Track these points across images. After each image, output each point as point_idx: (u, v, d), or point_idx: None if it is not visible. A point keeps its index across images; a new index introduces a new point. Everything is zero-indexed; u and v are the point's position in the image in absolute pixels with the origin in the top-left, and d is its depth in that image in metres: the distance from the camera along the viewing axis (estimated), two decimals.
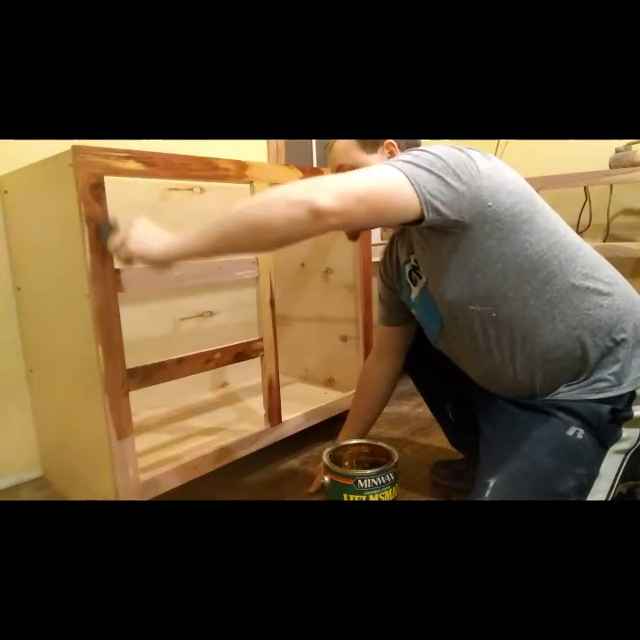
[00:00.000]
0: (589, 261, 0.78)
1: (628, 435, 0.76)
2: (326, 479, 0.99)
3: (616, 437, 0.76)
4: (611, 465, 0.76)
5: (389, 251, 1.02)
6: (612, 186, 1.86)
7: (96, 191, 0.87)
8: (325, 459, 1.00)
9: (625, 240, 1.84)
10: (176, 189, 1.43)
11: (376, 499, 0.94)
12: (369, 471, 0.95)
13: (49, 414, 1.19)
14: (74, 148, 0.84)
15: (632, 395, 0.76)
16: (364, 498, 0.93)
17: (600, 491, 0.75)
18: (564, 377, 0.79)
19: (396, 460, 0.97)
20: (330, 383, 1.61)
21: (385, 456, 1.02)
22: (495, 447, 0.81)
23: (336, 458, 1.03)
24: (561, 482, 0.72)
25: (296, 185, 0.68)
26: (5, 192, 1.13)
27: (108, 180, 0.88)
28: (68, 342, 1.01)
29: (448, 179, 0.69)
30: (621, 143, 1.66)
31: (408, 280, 0.93)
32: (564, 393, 0.79)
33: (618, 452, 0.76)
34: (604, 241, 1.91)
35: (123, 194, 1.26)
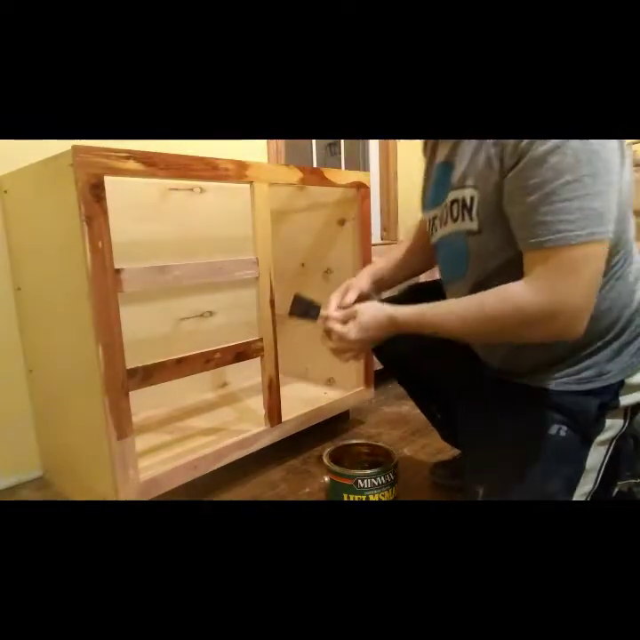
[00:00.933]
0: (632, 246, 0.74)
1: (612, 424, 0.75)
2: (326, 479, 0.99)
3: (599, 429, 0.75)
4: (596, 457, 0.75)
5: None
6: None
7: (96, 191, 0.87)
8: (325, 459, 1.00)
9: None
10: (176, 189, 1.43)
11: (376, 499, 0.94)
12: (369, 471, 0.95)
13: (49, 414, 1.19)
14: (74, 148, 0.84)
15: (621, 384, 0.75)
16: (364, 498, 0.93)
17: (587, 482, 0.75)
18: (558, 357, 0.76)
19: (395, 460, 0.97)
20: (330, 383, 1.61)
21: (385, 456, 1.02)
22: (480, 448, 0.80)
23: (336, 458, 1.03)
24: (548, 483, 0.72)
25: (545, 312, 0.62)
26: (5, 192, 1.13)
27: (108, 180, 0.88)
28: (68, 342, 1.01)
29: (612, 196, 0.62)
30: None
31: (448, 205, 0.78)
32: (551, 380, 0.77)
33: (602, 442, 0.75)
34: None
35: (123, 194, 1.26)
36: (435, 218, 0.83)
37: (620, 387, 0.75)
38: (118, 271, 0.91)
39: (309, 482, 1.19)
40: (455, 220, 0.76)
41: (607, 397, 0.74)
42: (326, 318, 0.85)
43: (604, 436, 0.75)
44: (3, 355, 1.20)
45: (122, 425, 0.94)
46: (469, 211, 0.72)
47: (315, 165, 2.21)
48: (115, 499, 0.94)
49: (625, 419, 0.77)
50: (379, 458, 1.04)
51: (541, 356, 0.77)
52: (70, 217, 0.88)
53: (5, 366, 1.21)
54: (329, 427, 1.44)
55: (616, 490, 0.99)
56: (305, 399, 1.45)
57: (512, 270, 0.68)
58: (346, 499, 0.95)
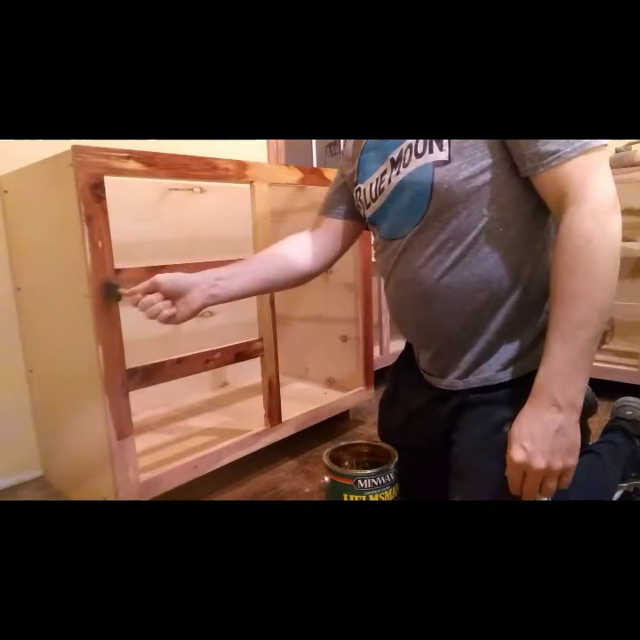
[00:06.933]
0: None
1: None
2: (326, 479, 0.99)
3: None
4: None
5: None
6: None
7: (96, 191, 0.87)
8: (325, 459, 1.00)
9: (625, 240, 1.82)
10: (176, 189, 1.43)
11: (376, 499, 0.94)
12: (369, 471, 0.94)
13: (49, 414, 1.19)
14: (74, 148, 0.84)
15: None
16: (363, 498, 0.93)
17: None
18: (511, 342, 0.74)
19: (395, 459, 0.97)
20: (330, 383, 1.61)
21: (385, 456, 1.02)
22: (456, 460, 0.79)
23: (336, 458, 1.03)
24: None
25: (608, 207, 0.69)
26: (5, 192, 1.13)
27: (108, 180, 0.88)
28: (68, 342, 1.01)
29: None
30: (621, 143, 1.66)
31: (413, 144, 0.76)
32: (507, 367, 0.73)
33: None
34: None
35: (123, 194, 1.26)
36: (383, 173, 0.81)
37: None
38: (118, 271, 0.91)
39: (309, 482, 1.19)
40: (420, 156, 0.75)
41: None
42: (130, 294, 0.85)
43: None
44: (3, 355, 1.20)
45: (122, 425, 0.94)
46: (439, 141, 0.72)
47: (315, 165, 2.21)
48: (115, 499, 0.94)
49: None
50: (379, 458, 1.04)
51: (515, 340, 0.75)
52: (70, 217, 0.88)
53: (5, 366, 1.21)
54: (329, 427, 1.44)
55: (621, 491, 0.99)
56: (305, 399, 1.45)
57: (475, 199, 0.71)
58: (346, 499, 0.94)
